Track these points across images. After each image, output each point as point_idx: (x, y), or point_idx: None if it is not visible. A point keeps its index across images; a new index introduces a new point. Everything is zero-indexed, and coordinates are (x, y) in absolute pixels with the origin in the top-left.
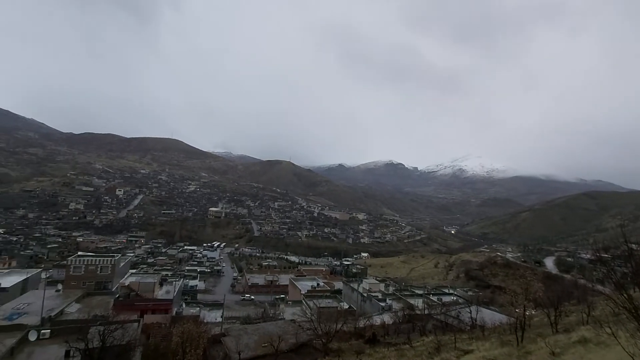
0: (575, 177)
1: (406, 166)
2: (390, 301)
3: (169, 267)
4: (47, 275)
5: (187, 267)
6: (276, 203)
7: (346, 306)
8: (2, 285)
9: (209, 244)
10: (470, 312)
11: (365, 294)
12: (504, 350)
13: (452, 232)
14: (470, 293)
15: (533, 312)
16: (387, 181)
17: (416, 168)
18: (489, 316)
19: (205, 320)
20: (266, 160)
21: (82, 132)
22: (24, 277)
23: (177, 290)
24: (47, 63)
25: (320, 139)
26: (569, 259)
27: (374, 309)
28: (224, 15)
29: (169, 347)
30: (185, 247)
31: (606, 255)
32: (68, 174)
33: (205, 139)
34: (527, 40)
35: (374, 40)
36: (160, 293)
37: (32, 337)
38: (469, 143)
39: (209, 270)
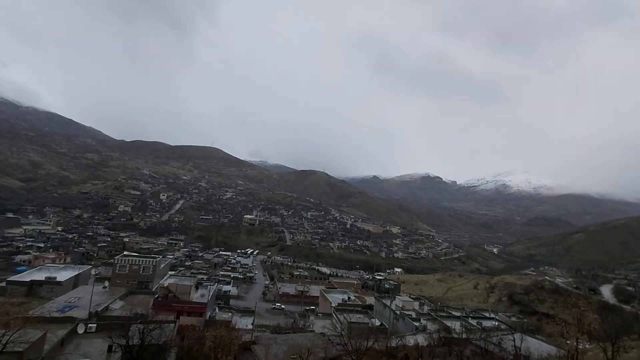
0: (636, 198)
1: (444, 180)
2: (425, 321)
3: (204, 271)
4: (96, 272)
5: (221, 272)
6: (309, 213)
7: (378, 323)
8: (58, 279)
9: (242, 251)
10: (514, 340)
11: (398, 312)
12: None
13: (494, 251)
14: (513, 319)
15: (587, 346)
16: (423, 195)
17: (455, 182)
18: (535, 346)
19: (236, 326)
20: (300, 170)
21: (133, 139)
22: (77, 272)
23: (211, 294)
24: (99, 74)
25: (355, 149)
26: (630, 288)
27: (407, 328)
28: (257, 26)
29: (201, 350)
30: (220, 252)
31: None
32: (119, 178)
33: (240, 147)
34: (577, 45)
35: (406, 47)
36: (196, 296)
37: (80, 330)
38: (513, 157)
39: (241, 277)
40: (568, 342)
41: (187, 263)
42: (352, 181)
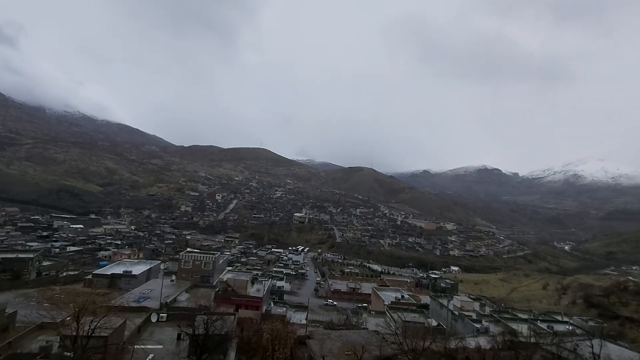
0: None
1: (503, 172)
2: (487, 323)
3: (258, 267)
4: (164, 267)
5: (274, 269)
6: (358, 210)
7: (434, 323)
8: (133, 273)
9: (293, 248)
10: (592, 347)
11: (456, 312)
12: None
13: (566, 248)
14: (591, 323)
15: None
16: (479, 188)
17: (516, 174)
18: (617, 353)
19: (291, 321)
20: (348, 167)
21: (190, 144)
22: (148, 267)
23: (266, 289)
24: (158, 85)
25: (403, 144)
26: None
27: (466, 330)
28: (297, 26)
29: (259, 342)
30: (273, 249)
31: None
32: (180, 181)
33: (288, 147)
34: None
35: (452, 32)
36: (252, 291)
37: (153, 318)
38: (585, 143)
39: (294, 273)
40: None
41: (242, 259)
42: (401, 176)
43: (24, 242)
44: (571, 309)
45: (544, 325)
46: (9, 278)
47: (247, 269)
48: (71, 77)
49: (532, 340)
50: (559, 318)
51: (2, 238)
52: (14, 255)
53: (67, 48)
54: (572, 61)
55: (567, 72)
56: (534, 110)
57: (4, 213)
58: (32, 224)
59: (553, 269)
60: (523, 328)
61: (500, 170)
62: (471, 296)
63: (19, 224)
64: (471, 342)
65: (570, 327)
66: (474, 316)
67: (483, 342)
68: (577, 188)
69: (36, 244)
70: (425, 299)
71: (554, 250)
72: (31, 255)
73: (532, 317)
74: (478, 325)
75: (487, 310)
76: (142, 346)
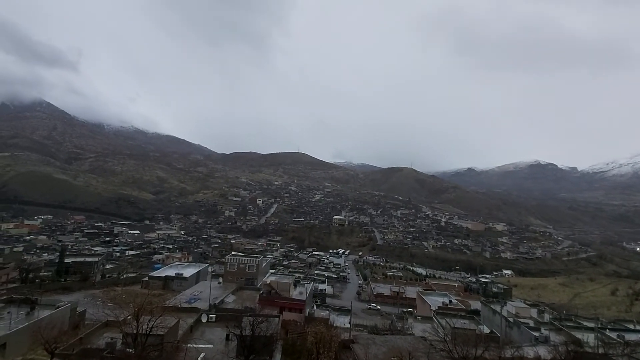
0: None
1: (559, 166)
2: (547, 331)
3: (300, 270)
4: (212, 270)
5: (315, 272)
6: (399, 211)
7: (487, 330)
8: (184, 275)
9: (334, 251)
10: None
11: (511, 319)
12: None
13: (638, 249)
14: None
15: None
16: (532, 185)
17: (574, 168)
18: None
19: (334, 324)
20: (386, 168)
21: (232, 152)
22: (197, 269)
23: (308, 292)
24: (199, 95)
25: (444, 141)
26: None
27: (523, 338)
28: (328, 29)
29: (304, 345)
30: (314, 252)
31: None
32: (223, 187)
33: (325, 150)
34: None
35: (490, 21)
36: (295, 293)
37: (204, 319)
38: None
39: (335, 276)
40: None
41: (284, 262)
42: (444, 175)
43: (90, 247)
44: None
45: (613, 335)
46: (78, 279)
47: (289, 271)
48: (124, 94)
49: (600, 350)
50: (632, 326)
51: (72, 243)
52: (82, 259)
53: (119, 68)
54: (627, 41)
55: (627, 52)
56: (590, 98)
57: (72, 221)
58: (96, 231)
59: (623, 272)
60: (589, 337)
61: (555, 165)
62: (527, 302)
63: (85, 231)
64: (529, 352)
65: None
66: (532, 323)
67: (543, 352)
68: None
69: (100, 248)
70: (475, 304)
71: (623, 251)
72: (96, 259)
73: (599, 326)
74: (537, 334)
75: (547, 317)
76: (194, 345)
